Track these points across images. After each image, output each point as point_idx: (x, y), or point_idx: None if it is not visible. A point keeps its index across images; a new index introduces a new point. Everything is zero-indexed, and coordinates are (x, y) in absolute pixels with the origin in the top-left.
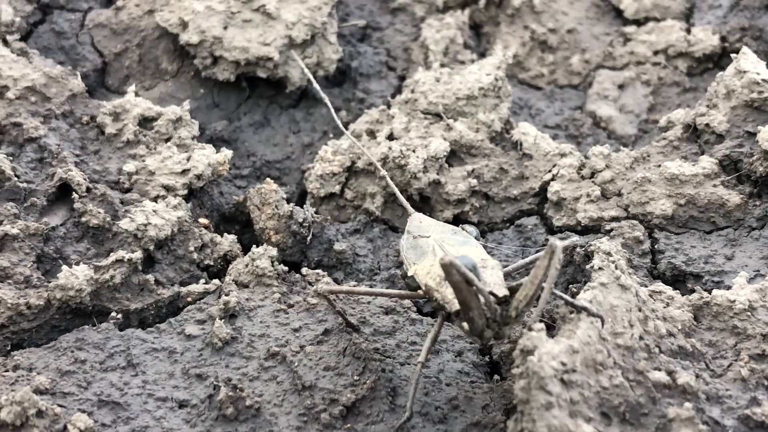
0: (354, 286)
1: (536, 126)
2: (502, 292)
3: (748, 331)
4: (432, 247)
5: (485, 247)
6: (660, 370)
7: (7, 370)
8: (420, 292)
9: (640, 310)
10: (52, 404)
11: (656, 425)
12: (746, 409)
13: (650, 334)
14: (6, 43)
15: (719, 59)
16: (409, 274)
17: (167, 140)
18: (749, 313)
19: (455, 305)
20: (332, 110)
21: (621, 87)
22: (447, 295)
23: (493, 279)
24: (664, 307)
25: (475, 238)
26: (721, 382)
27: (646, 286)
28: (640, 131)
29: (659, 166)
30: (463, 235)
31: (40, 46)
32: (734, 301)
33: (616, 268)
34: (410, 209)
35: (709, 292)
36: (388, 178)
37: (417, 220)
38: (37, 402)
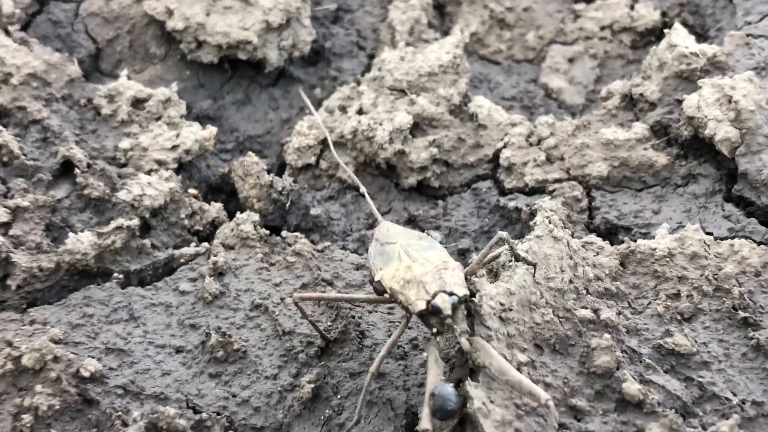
0: (323, 293)
1: (494, 98)
2: (462, 292)
3: (667, 275)
4: (398, 252)
5: (447, 248)
6: (586, 308)
7: (24, 325)
8: (386, 296)
9: (571, 258)
10: (66, 352)
11: (581, 353)
12: (660, 339)
13: (579, 278)
14: (8, 33)
15: (660, 33)
16: (376, 279)
17: (158, 119)
18: (668, 259)
19: (418, 306)
20: (325, 131)
21: (571, 60)
22: (410, 297)
23: (453, 280)
24: (595, 256)
25: (440, 242)
26: (641, 318)
27: (581, 239)
28: (588, 101)
29: (597, 132)
30: (428, 240)
31: (39, 35)
32: (655, 249)
33: (550, 222)
34: (379, 217)
35: (636, 242)
36: (355, 178)
37: (385, 228)
38: (53, 349)
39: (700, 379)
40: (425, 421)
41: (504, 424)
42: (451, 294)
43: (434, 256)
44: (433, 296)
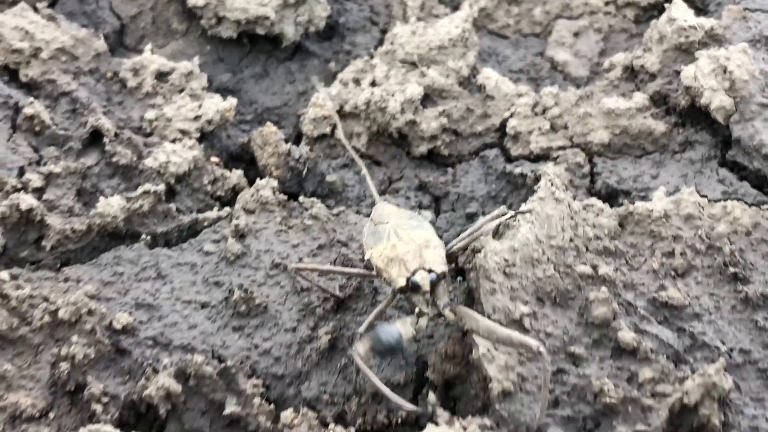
0: (321, 264)
1: (502, 71)
2: (440, 269)
3: (662, 234)
4: (388, 232)
5: (456, 213)
6: (585, 264)
7: (59, 282)
8: (374, 272)
9: (572, 218)
10: (99, 306)
11: (579, 306)
12: (655, 293)
13: (579, 237)
14: (36, 9)
15: (662, 8)
16: (366, 257)
17: (181, 91)
18: (664, 220)
19: (398, 283)
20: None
21: (576, 34)
22: (392, 274)
23: (433, 258)
24: (595, 217)
25: (430, 222)
26: (637, 274)
27: (581, 201)
28: (592, 73)
29: (599, 102)
30: (418, 219)
31: (66, 11)
32: (652, 210)
33: (552, 185)
34: (377, 198)
35: (634, 204)
36: (358, 158)
37: (380, 209)
38: (87, 303)
39: (691, 330)
40: (360, 348)
41: (507, 368)
42: (430, 271)
43: (419, 235)
44: (413, 273)
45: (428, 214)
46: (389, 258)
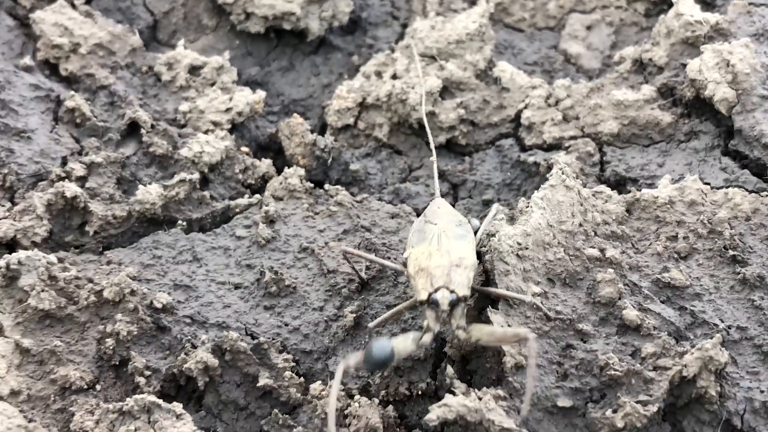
0: (366, 253)
1: (517, 63)
2: (462, 292)
3: (667, 219)
4: (433, 235)
5: (473, 200)
6: (594, 248)
7: (102, 265)
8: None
9: (581, 204)
10: (141, 287)
11: (587, 286)
12: (658, 274)
13: (588, 222)
14: (74, 6)
15: (671, 2)
16: (405, 255)
17: (212, 84)
18: (669, 206)
19: (421, 295)
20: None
21: (589, 28)
22: (418, 285)
23: (460, 279)
24: (603, 203)
25: (476, 230)
26: (642, 256)
27: (591, 188)
28: (604, 65)
29: (609, 94)
30: (465, 228)
31: (101, 7)
32: (658, 197)
33: (563, 173)
34: (437, 193)
35: (640, 191)
36: (434, 155)
37: (435, 206)
38: (130, 284)
39: (692, 308)
40: (352, 359)
41: (519, 344)
42: (452, 292)
43: (458, 248)
44: (436, 290)
45: (476, 223)
46: (421, 267)
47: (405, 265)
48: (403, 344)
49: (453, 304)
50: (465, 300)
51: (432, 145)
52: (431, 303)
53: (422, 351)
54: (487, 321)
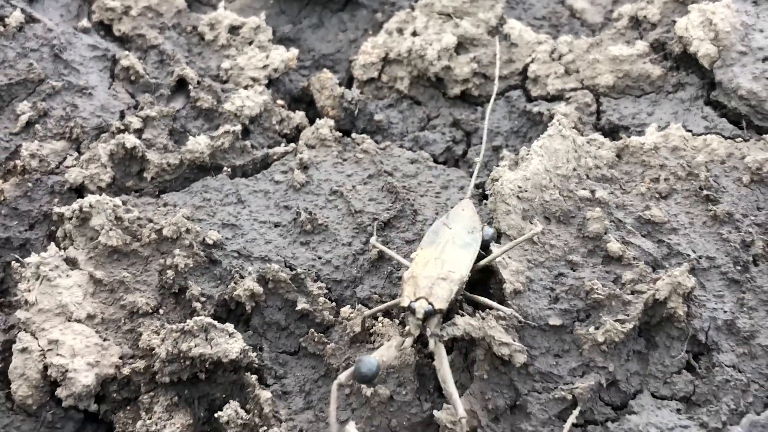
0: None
1: (527, 18)
2: (439, 306)
3: (652, 163)
4: (443, 240)
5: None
6: (585, 189)
7: (159, 207)
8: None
9: (575, 151)
10: (194, 225)
11: (579, 223)
12: (641, 212)
13: (581, 167)
14: None
15: None
16: (412, 255)
17: (250, 43)
18: (654, 151)
19: (402, 302)
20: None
21: None
22: (404, 291)
23: (441, 293)
24: (596, 149)
25: (490, 237)
26: (628, 196)
27: (587, 136)
28: (606, 19)
29: (607, 49)
30: (473, 237)
31: None
32: (644, 143)
33: (560, 124)
34: (468, 194)
35: (630, 138)
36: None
37: (461, 207)
38: (185, 223)
39: (668, 241)
40: (343, 376)
41: (518, 272)
42: (430, 303)
43: (456, 259)
44: (416, 299)
45: (489, 231)
46: (413, 275)
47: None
48: (387, 354)
49: (428, 315)
50: (441, 312)
51: (482, 150)
52: (410, 310)
53: (408, 354)
54: (496, 265)
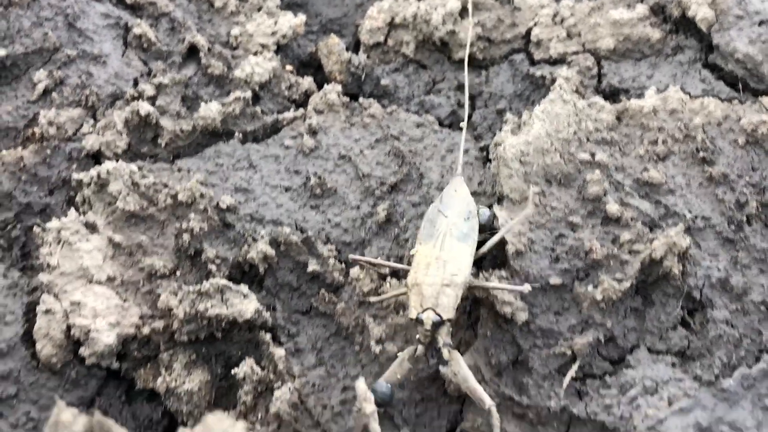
0: (376, 258)
1: None
2: (447, 315)
3: (650, 126)
4: (440, 234)
5: (488, 109)
6: (585, 152)
7: (174, 172)
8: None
9: (576, 115)
10: (208, 190)
11: (579, 185)
12: (639, 174)
13: (582, 130)
14: None
15: None
16: (412, 252)
17: (259, 10)
18: (653, 114)
19: (411, 313)
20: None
21: None
22: (410, 302)
23: (446, 302)
24: (597, 113)
25: (487, 220)
26: (627, 159)
27: (588, 99)
28: None
29: (607, 13)
30: (470, 225)
31: None
32: (643, 106)
33: (561, 89)
34: (458, 170)
35: (629, 101)
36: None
37: (453, 188)
38: (200, 188)
39: (665, 202)
40: (366, 400)
41: (520, 234)
42: (438, 314)
43: (456, 258)
44: (423, 311)
45: (485, 212)
46: (416, 282)
47: (410, 263)
48: (400, 370)
49: (436, 325)
50: (449, 321)
51: (465, 115)
52: (419, 321)
53: (422, 363)
54: (494, 214)
